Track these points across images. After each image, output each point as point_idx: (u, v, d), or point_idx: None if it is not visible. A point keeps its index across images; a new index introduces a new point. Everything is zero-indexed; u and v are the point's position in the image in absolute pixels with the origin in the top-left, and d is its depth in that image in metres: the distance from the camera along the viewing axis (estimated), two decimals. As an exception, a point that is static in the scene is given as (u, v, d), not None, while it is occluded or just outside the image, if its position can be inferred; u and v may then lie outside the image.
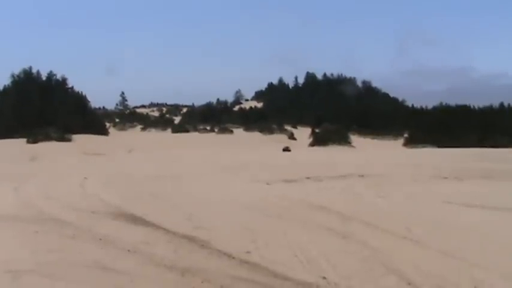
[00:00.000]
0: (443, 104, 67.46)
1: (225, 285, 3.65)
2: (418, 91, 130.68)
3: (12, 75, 49.94)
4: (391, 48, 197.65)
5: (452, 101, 68.80)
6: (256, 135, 59.97)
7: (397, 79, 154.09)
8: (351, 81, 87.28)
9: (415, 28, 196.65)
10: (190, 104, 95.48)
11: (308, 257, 4.34)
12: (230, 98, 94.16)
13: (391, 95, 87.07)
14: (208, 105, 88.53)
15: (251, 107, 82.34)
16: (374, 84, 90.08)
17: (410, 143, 53.53)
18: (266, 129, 62.10)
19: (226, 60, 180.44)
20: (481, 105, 63.71)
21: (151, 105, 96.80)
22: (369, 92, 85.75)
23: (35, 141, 39.81)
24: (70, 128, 44.31)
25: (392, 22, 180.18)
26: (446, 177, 12.39)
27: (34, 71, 51.13)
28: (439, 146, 43.59)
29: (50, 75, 52.06)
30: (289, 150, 39.50)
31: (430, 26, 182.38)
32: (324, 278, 3.80)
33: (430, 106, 72.34)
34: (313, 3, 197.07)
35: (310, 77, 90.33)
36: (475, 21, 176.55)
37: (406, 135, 58.33)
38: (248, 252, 4.48)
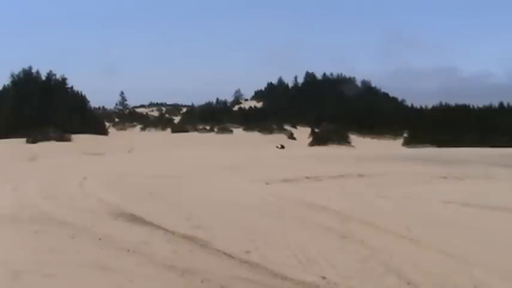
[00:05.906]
0: (443, 103, 67.64)
1: (225, 285, 3.64)
2: (410, 91, 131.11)
3: (12, 75, 49.97)
4: (384, 49, 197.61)
5: (444, 101, 69.03)
6: (255, 135, 59.98)
7: (387, 79, 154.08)
8: (351, 81, 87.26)
9: (403, 29, 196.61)
10: (190, 103, 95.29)
11: (308, 256, 4.34)
12: (230, 98, 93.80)
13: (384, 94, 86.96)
14: (208, 105, 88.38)
15: (251, 107, 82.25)
16: (373, 83, 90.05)
17: (410, 142, 53.61)
18: (266, 129, 62.10)
19: (226, 59, 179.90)
20: (480, 105, 63.83)
21: (151, 105, 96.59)
22: (369, 91, 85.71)
23: (34, 141, 39.80)
24: (69, 128, 44.29)
25: (387, 24, 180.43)
26: (445, 177, 12.40)
27: (34, 70, 51.19)
28: (439, 146, 43.64)
29: (50, 75, 52.01)
30: (283, 147, 39.95)
31: (420, 27, 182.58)
32: (324, 277, 3.80)
33: (424, 105, 72.64)
34: (312, 3, 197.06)
35: (309, 77, 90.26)
36: (467, 22, 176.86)
37: (405, 134, 58.39)
38: (248, 252, 4.48)
